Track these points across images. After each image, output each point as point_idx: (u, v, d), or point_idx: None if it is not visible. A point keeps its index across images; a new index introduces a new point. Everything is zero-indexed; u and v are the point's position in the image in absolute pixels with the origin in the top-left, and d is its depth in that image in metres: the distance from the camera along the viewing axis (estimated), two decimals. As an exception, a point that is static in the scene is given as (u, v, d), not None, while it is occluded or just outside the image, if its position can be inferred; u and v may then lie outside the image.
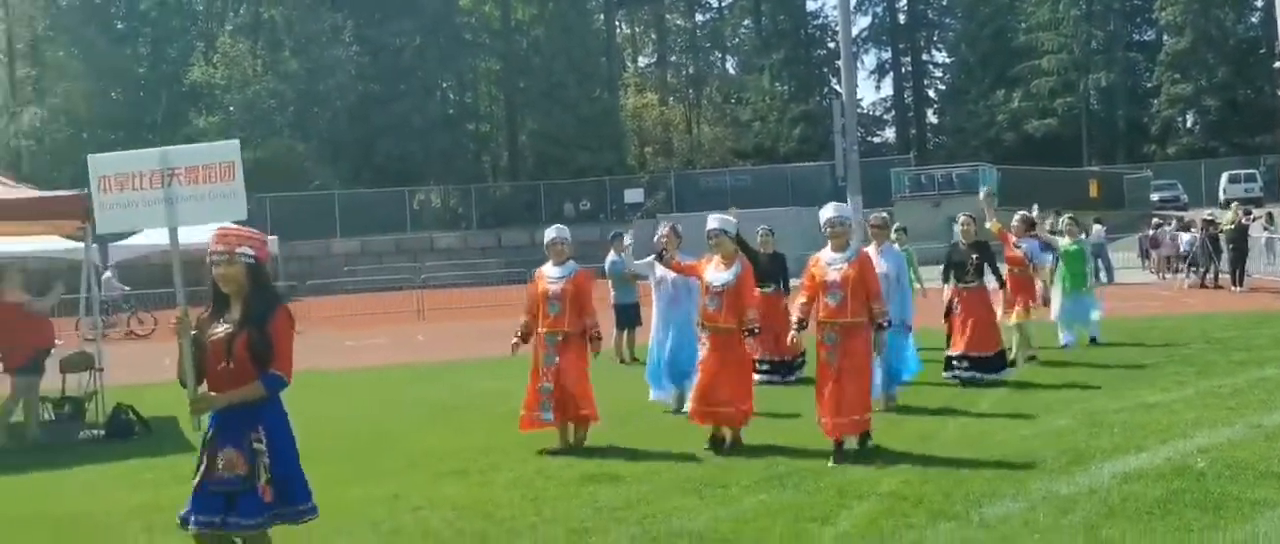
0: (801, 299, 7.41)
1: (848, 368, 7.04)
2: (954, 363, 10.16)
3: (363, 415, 10.12)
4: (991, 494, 5.92)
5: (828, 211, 7.39)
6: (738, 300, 7.43)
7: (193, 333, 4.49)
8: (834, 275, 7.13)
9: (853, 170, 32.54)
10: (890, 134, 62.43)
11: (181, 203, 4.92)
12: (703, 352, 7.64)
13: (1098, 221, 27.36)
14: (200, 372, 4.45)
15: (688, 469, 7.00)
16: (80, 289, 12.50)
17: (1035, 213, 12.64)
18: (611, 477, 6.86)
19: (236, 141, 5.28)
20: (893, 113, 63.03)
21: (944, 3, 60.16)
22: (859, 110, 49.83)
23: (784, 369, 10.62)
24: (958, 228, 10.49)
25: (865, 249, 7.87)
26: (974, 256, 10.13)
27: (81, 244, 11.04)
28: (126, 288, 24.09)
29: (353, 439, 8.83)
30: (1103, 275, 26.13)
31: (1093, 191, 40.36)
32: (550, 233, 8.22)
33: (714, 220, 7.83)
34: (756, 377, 9.95)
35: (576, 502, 6.29)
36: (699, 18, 64.34)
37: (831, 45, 54.71)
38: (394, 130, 48.36)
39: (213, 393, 4.38)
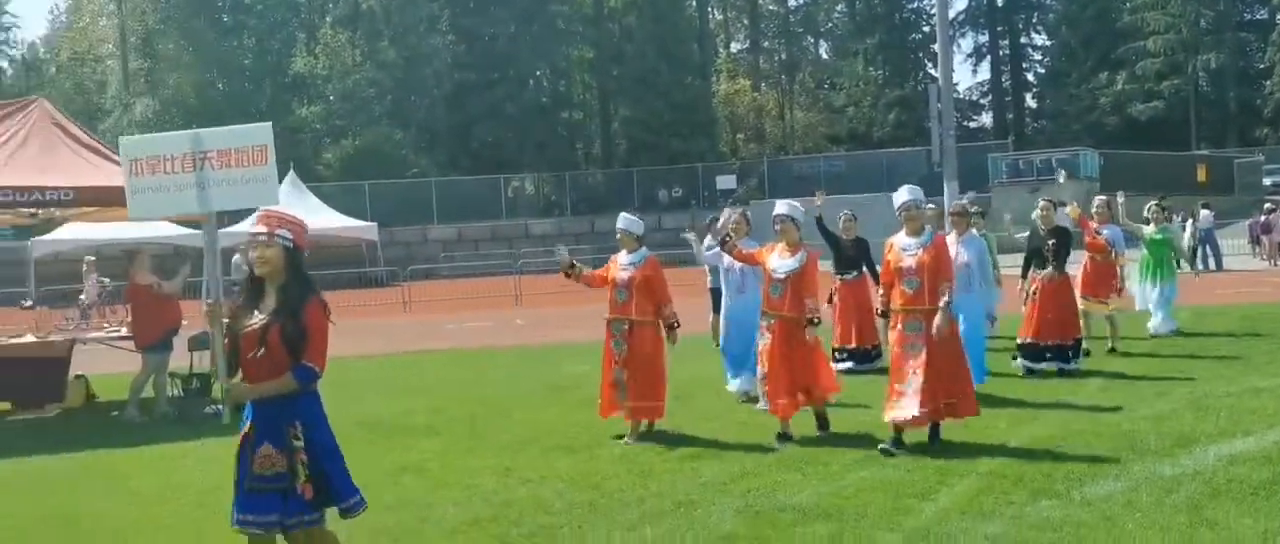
0: (881, 288, 7.40)
1: (938, 354, 6.86)
2: (1024, 351, 9.94)
3: (472, 394, 10.42)
4: (1093, 475, 5.97)
5: (902, 195, 7.27)
6: (800, 288, 7.33)
7: (226, 322, 4.43)
8: (909, 261, 7.02)
9: (949, 156, 32.18)
10: (987, 119, 61.25)
11: (213, 187, 4.72)
12: (763, 342, 7.54)
13: (1206, 207, 26.62)
14: (233, 362, 4.36)
15: (789, 447, 7.15)
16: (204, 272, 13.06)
17: (1120, 200, 12.29)
18: (715, 452, 7.05)
19: (268, 124, 5.10)
20: (990, 97, 61.77)
21: (1044, -16, 58.77)
22: (955, 95, 49.03)
23: (864, 357, 10.51)
24: (1036, 214, 10.29)
25: (940, 233, 7.70)
26: (1050, 243, 9.96)
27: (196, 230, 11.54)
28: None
29: (465, 415, 9.14)
30: (1210, 262, 25.42)
31: (1201, 176, 39.19)
32: (619, 222, 8.13)
33: (782, 206, 7.72)
34: (837, 366, 9.90)
35: (681, 475, 6.50)
36: (792, 3, 63.84)
37: (927, 29, 53.87)
38: (489, 118, 49.14)
39: (246, 384, 4.28)
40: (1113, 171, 39.80)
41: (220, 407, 9.96)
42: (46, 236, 27.69)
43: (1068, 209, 10.63)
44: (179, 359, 10.59)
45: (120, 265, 30.06)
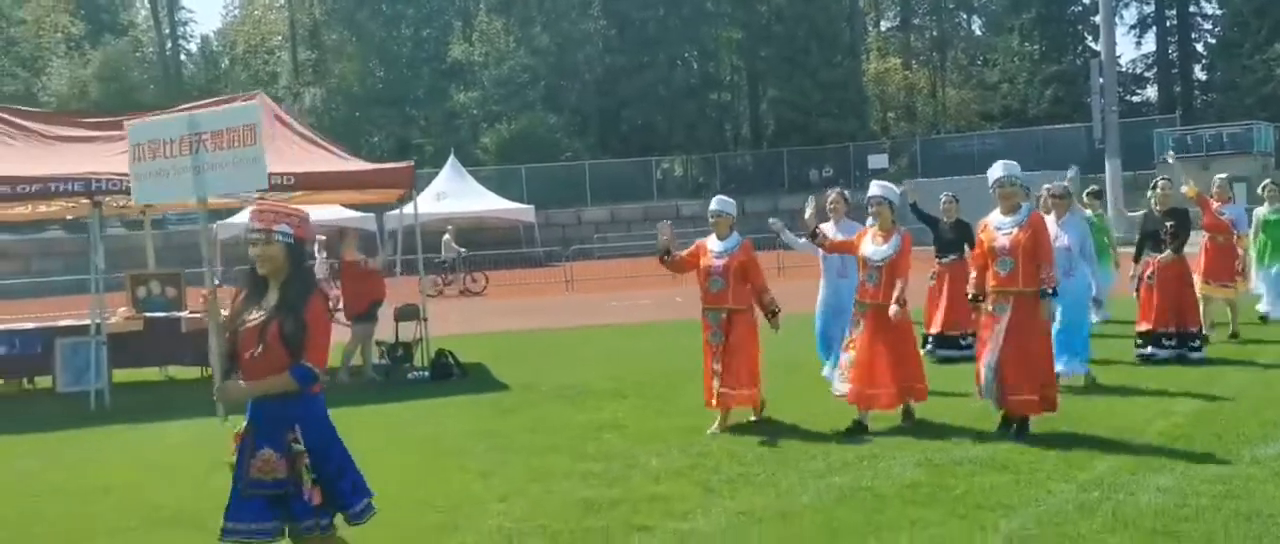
0: (973, 271, 7.07)
1: (1027, 345, 6.61)
2: (1144, 340, 9.50)
3: (649, 364, 10.97)
4: (1264, 437, 6.23)
5: (996, 171, 6.93)
6: (897, 274, 7.02)
7: (225, 314, 4.29)
8: (1003, 240, 6.71)
9: (1111, 132, 31.49)
10: (1152, 93, 58.83)
11: (209, 171, 4.53)
12: (857, 331, 7.24)
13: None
14: (231, 359, 4.17)
15: (867, 440, 6.92)
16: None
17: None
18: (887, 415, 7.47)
19: (257, 103, 4.77)
20: (1155, 69, 59.28)
21: (1215, -50, 56.08)
22: (1118, 68, 47.41)
23: (955, 345, 10.07)
24: (1153, 194, 9.75)
25: (1037, 211, 7.29)
26: (1168, 225, 9.41)
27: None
28: (463, 250, 26.57)
29: (647, 381, 9.78)
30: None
31: (1385, 148, 37.11)
32: (713, 204, 7.73)
33: (876, 188, 7.38)
34: (940, 352, 9.98)
35: (847, 442, 6.94)
36: (944, -22, 62.66)
37: (1087, 1, 52.20)
38: (639, 101, 49.98)
39: (241, 383, 4.07)
40: (1290, 146, 38.05)
41: (424, 372, 10.98)
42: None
43: (1184, 188, 10.20)
44: (386, 330, 11.60)
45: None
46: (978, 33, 62.63)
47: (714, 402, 7.44)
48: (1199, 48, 58.73)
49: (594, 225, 41.35)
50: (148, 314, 11.56)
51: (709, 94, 56.56)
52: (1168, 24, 58.15)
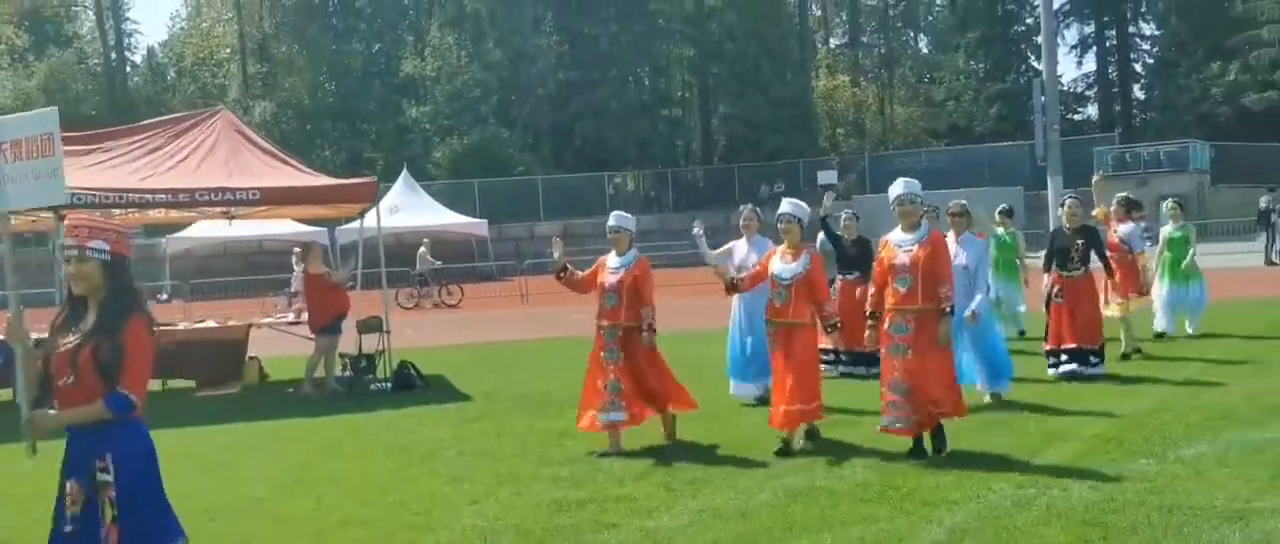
0: (872, 288, 6.95)
1: (925, 364, 6.53)
2: (1056, 356, 9.47)
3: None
4: (1187, 439, 6.66)
5: (896, 188, 6.86)
6: (808, 293, 6.96)
7: (36, 339, 3.98)
8: (903, 258, 6.63)
9: (1053, 149, 32.25)
10: (1093, 111, 60.28)
11: (9, 183, 4.23)
12: (774, 350, 7.15)
13: (1317, 199, 26.31)
14: (44, 385, 3.76)
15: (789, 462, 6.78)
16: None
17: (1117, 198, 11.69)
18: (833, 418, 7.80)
19: (55, 109, 4.53)
20: (1096, 88, 60.77)
21: (1152, -28, 57.65)
22: (1060, 87, 48.48)
23: (866, 361, 9.69)
24: (1062, 211, 9.78)
25: (937, 229, 7.16)
26: (1079, 242, 9.40)
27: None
28: (438, 262, 26.75)
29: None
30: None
31: (1317, 167, 38.36)
32: (610, 220, 7.64)
33: (786, 206, 7.26)
34: (838, 369, 9.95)
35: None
36: (892, -4, 63.83)
37: (1030, 21, 53.38)
38: (592, 116, 50.36)
39: (50, 412, 3.68)
40: (1224, 163, 39.23)
41: (386, 384, 11.18)
42: (179, 234, 29.56)
43: (1095, 210, 10.51)
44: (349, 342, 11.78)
45: (254, 259, 31.98)
46: (924, 51, 63.86)
47: (584, 425, 7.30)
48: (1138, 68, 60.29)
49: (547, 240, 41.49)
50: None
51: (661, 110, 57.07)
52: (1108, 44, 59.65)
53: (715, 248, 9.01)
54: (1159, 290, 11.98)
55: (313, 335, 11.18)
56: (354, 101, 54.36)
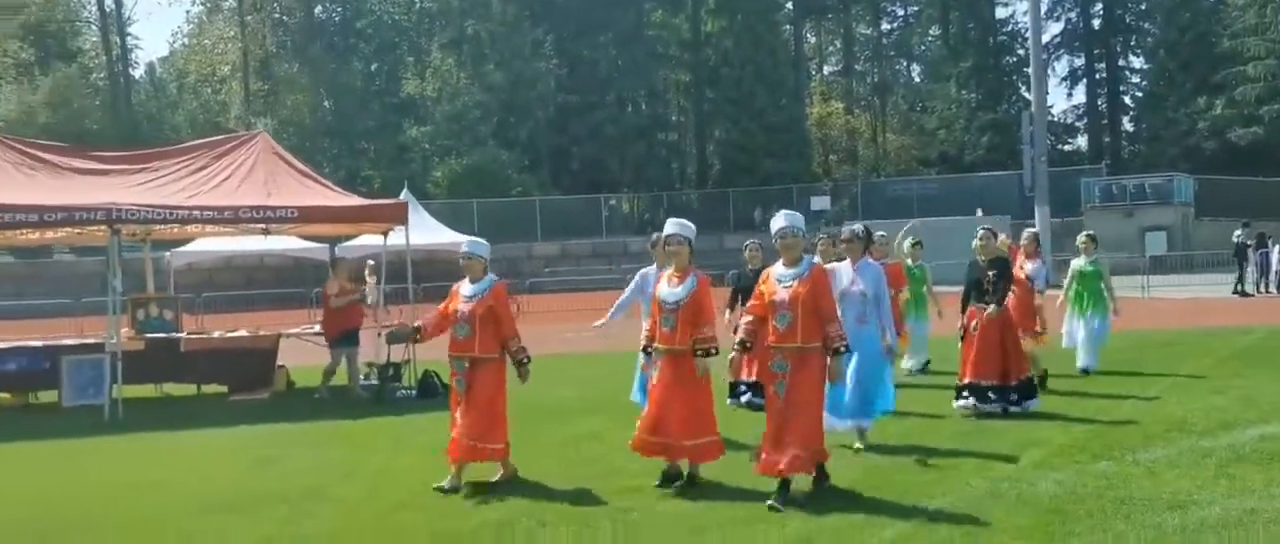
0: (747, 318, 6.72)
1: (796, 401, 6.34)
2: (965, 392, 9.23)
3: (614, 386, 11.95)
4: (1145, 445, 7.51)
5: (778, 221, 6.63)
6: (693, 318, 6.69)
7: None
8: (783, 294, 6.41)
9: (1041, 180, 33.15)
10: (1082, 142, 61.43)
11: None
12: (653, 377, 6.99)
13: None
14: None
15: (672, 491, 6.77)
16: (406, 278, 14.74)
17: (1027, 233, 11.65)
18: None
19: None
20: (1085, 120, 61.94)
21: (1142, 7, 58.86)
22: (1050, 118, 49.52)
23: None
24: (976, 243, 9.50)
25: (819, 263, 6.92)
26: (990, 274, 9.24)
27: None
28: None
29: (612, 400, 10.73)
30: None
31: (1299, 202, 39.35)
32: (464, 246, 7.45)
33: (671, 226, 6.97)
34: (742, 400, 9.71)
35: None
36: (885, 26, 65.01)
37: (1022, 52, 54.50)
38: (589, 139, 51.31)
39: None
40: (1208, 197, 40.19)
41: (411, 391, 11.95)
42: (184, 248, 30.31)
43: (999, 241, 10.09)
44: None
45: (255, 274, 32.77)
46: (917, 80, 65.02)
47: (450, 455, 7.03)
48: (1127, 100, 61.43)
49: (544, 260, 42.32)
50: (148, 335, 12.38)
51: (657, 134, 58.05)
52: (1098, 77, 60.77)
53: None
54: (1070, 327, 12.03)
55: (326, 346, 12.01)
56: (353, 120, 55.12)
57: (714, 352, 6.69)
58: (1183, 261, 32.87)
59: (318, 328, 12.87)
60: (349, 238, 27.10)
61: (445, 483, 6.91)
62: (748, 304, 7.03)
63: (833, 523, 5.82)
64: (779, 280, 6.50)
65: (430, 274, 31.22)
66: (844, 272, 7.84)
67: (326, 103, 56.23)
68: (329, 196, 11.95)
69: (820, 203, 44.91)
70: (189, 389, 12.70)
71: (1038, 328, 10.48)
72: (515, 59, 50.83)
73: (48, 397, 12.19)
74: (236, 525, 6.23)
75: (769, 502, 6.19)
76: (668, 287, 6.83)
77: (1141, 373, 11.61)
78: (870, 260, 8.06)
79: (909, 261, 12.25)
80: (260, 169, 11.88)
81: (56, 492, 7.45)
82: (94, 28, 59.97)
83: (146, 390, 12.44)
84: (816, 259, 6.65)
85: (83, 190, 11.10)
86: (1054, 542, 5.32)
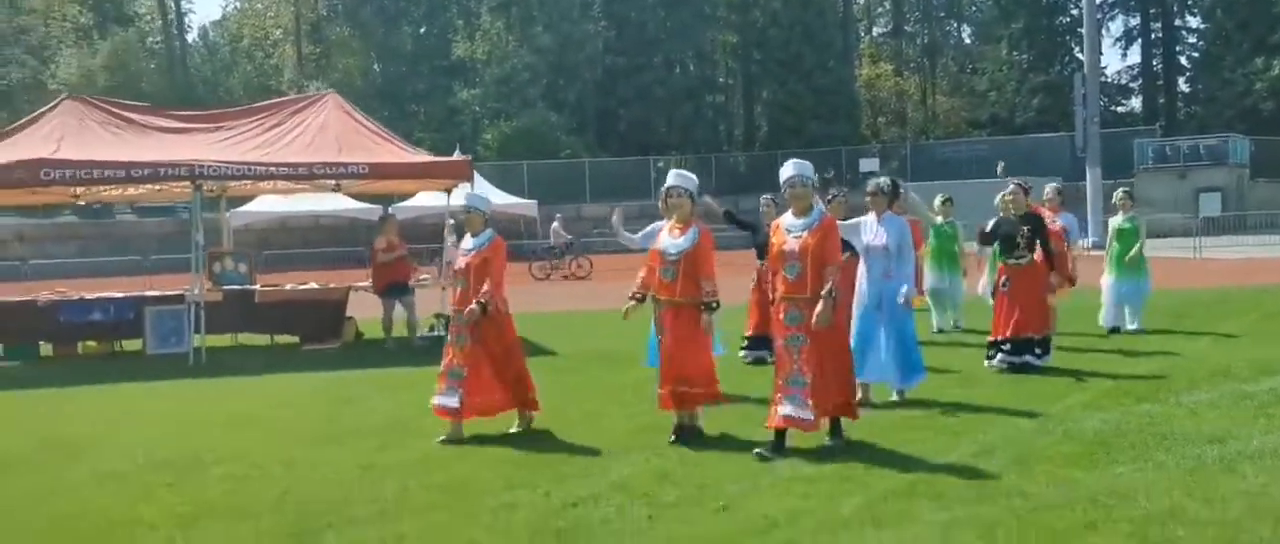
0: (770, 272, 6.68)
1: (826, 350, 6.22)
2: (1000, 347, 9.11)
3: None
4: (1188, 389, 7.81)
5: (787, 170, 6.50)
6: (694, 269, 6.61)
7: None
8: (793, 244, 6.30)
9: (1093, 141, 33.02)
10: (1136, 103, 60.55)
11: None
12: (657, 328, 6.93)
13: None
14: None
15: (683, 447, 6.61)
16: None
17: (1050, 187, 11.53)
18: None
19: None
20: (1140, 81, 61.05)
21: (1199, -35, 57.79)
22: (1103, 79, 49.00)
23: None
24: (1005, 198, 9.35)
25: (829, 214, 6.66)
26: (1024, 229, 9.04)
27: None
28: (571, 236, 28.46)
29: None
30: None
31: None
32: (464, 199, 7.53)
33: (673, 178, 6.96)
34: (742, 353, 9.88)
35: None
36: (935, -13, 64.35)
37: (1075, 12, 53.74)
38: (637, 101, 51.50)
39: None
40: (1264, 158, 39.71)
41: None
42: (242, 209, 31.11)
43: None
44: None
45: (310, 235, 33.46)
46: (967, 41, 64.40)
47: (444, 413, 6.98)
48: (1183, 61, 60.35)
49: (593, 221, 42.77)
50: (225, 287, 12.97)
51: (705, 96, 58.09)
52: (1153, 36, 59.77)
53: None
54: (1106, 282, 11.83)
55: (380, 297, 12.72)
56: (404, 83, 55.75)
57: (717, 305, 6.64)
58: (1237, 222, 32.59)
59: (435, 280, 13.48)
60: (405, 197, 27.81)
61: (443, 436, 6.92)
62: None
63: (890, 453, 6.18)
64: (789, 230, 6.39)
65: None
66: (868, 225, 7.82)
67: (376, 66, 56.93)
68: (398, 153, 12.40)
69: (869, 165, 44.81)
70: (262, 339, 13.30)
71: (1070, 280, 10.39)
72: (563, 21, 51.04)
73: (131, 345, 12.83)
74: (334, 455, 6.71)
75: (756, 450, 6.16)
76: (670, 238, 6.76)
77: (1187, 329, 11.77)
78: (893, 214, 7.87)
79: (939, 219, 12.05)
80: (332, 127, 12.36)
81: (163, 426, 8.01)
82: (149, -10, 61.07)
83: (222, 340, 13.06)
84: (819, 208, 6.51)
85: (166, 148, 11.66)
86: (1099, 468, 5.65)
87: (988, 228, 9.44)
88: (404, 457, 6.62)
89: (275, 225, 36.84)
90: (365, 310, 13.66)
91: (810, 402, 6.13)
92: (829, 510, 5.07)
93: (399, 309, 12.70)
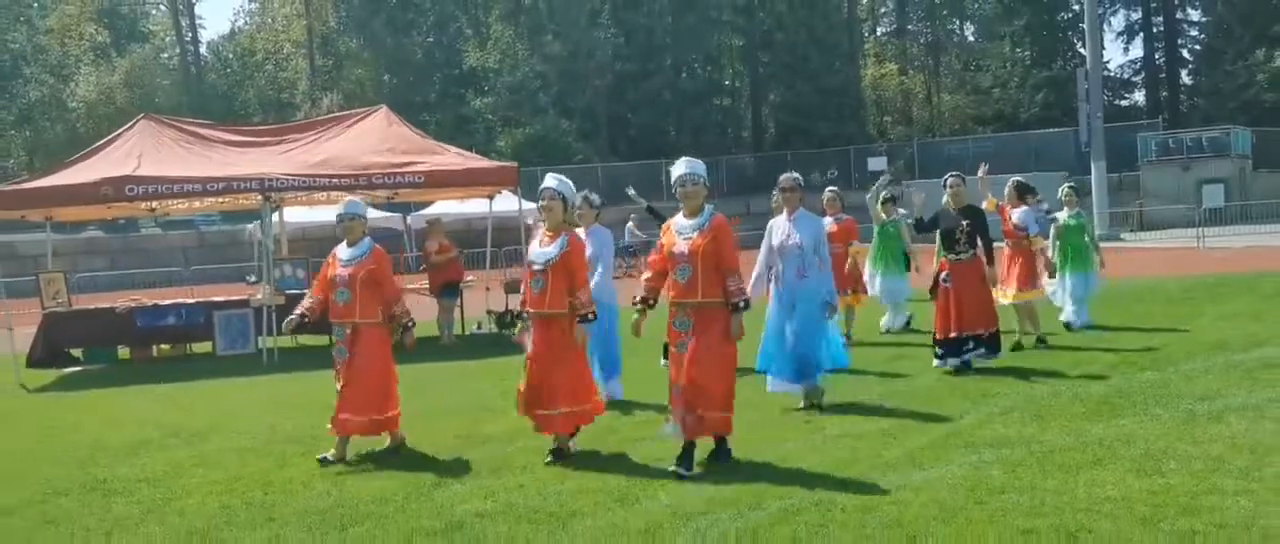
0: (647, 274, 6.37)
1: (702, 358, 5.91)
2: (945, 347, 8.85)
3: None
4: (1186, 359, 8.72)
5: (678, 168, 6.25)
6: (563, 280, 6.27)
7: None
8: (682, 245, 6.03)
9: (1097, 136, 33.80)
10: (1140, 97, 61.16)
11: None
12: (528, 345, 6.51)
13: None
14: None
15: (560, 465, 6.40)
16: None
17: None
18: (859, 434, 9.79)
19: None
20: (1143, 75, 61.68)
21: (1200, -40, 58.49)
22: (1106, 73, 49.74)
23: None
24: (946, 193, 9.09)
25: (721, 214, 6.30)
26: (964, 223, 8.81)
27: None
28: (643, 235, 29.42)
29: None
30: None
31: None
32: (341, 206, 7.12)
33: (550, 179, 6.59)
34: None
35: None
36: (938, -14, 65.10)
37: (1077, 8, 54.39)
38: (647, 106, 52.38)
39: None
40: (1266, 149, 40.41)
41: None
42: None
43: (985, 203, 10.04)
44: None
45: (326, 246, 34.27)
46: (971, 39, 65.12)
47: (330, 427, 6.80)
48: (1185, 54, 60.95)
49: (609, 224, 43.59)
50: (287, 292, 13.89)
51: (713, 99, 58.86)
52: (1155, 30, 60.35)
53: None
54: (1056, 281, 11.41)
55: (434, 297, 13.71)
56: (415, 92, 56.64)
57: (591, 317, 6.34)
58: (1239, 213, 33.37)
59: (423, 283, 14.39)
60: (423, 205, 28.65)
61: (330, 454, 6.72)
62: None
63: (925, 414, 7.05)
64: (679, 232, 6.12)
65: (501, 240, 32.93)
66: (779, 225, 7.64)
67: (387, 77, 57.90)
68: (452, 160, 13.30)
69: (877, 163, 45.53)
70: (321, 339, 14.17)
71: (1048, 271, 10.47)
72: (572, 29, 51.91)
73: (200, 348, 13.75)
74: (427, 427, 7.61)
75: (673, 467, 5.87)
76: (539, 246, 6.43)
77: (1186, 311, 12.58)
78: (807, 211, 7.72)
79: (884, 217, 11.85)
80: (388, 137, 13.26)
81: (270, 411, 8.92)
82: (161, 8, 62.06)
83: (284, 341, 13.94)
84: (710, 208, 6.22)
85: (233, 162, 12.57)
86: (1104, 421, 6.59)
87: (926, 218, 9.20)
88: (493, 430, 7.53)
89: (295, 235, 37.90)
90: (419, 313, 14.56)
91: (683, 413, 5.91)
92: (876, 457, 5.98)
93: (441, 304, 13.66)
